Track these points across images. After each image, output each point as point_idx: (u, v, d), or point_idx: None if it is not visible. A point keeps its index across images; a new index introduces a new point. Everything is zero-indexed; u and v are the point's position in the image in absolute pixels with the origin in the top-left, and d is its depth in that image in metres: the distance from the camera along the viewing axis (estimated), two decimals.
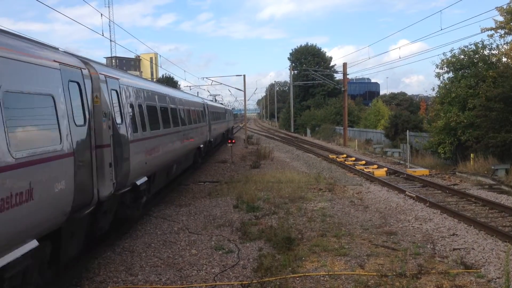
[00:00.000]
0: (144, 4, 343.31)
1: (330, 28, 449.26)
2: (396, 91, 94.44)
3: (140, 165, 10.73)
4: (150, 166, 11.68)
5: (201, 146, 22.69)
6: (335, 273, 8.12)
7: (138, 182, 10.60)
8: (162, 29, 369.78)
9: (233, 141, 28.82)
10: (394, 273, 7.95)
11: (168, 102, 15.47)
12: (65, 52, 7.90)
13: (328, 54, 75.56)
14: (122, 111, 9.79)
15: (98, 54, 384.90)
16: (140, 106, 11.55)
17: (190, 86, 51.56)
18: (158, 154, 12.61)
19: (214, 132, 29.10)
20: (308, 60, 70.67)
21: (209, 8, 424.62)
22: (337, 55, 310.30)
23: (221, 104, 51.73)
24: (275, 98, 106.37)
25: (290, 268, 8.36)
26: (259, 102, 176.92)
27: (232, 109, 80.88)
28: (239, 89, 45.83)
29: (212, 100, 44.37)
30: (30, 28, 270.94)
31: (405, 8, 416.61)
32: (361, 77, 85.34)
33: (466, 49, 24.23)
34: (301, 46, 74.18)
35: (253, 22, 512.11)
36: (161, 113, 13.99)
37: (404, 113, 36.57)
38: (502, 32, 23.74)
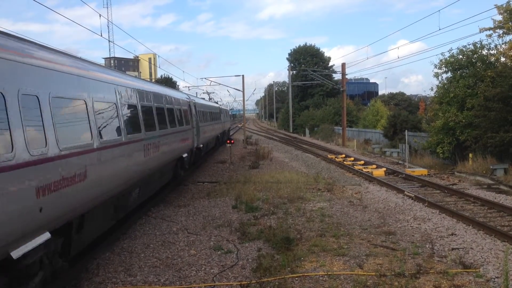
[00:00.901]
0: (143, 4, 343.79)
1: (329, 28, 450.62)
2: (395, 91, 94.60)
3: (19, 217, 5.59)
4: (59, 210, 6.69)
5: (185, 155, 17.94)
6: (334, 273, 8.13)
7: (16, 253, 5.55)
8: (162, 30, 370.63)
9: (232, 141, 28.82)
10: (393, 273, 7.96)
11: (117, 97, 10.06)
12: None
13: (328, 54, 76.43)
14: None
15: (98, 54, 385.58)
16: (31, 99, 6.22)
17: (189, 87, 51.23)
18: (83, 185, 7.47)
19: (204, 136, 24.40)
20: (307, 60, 70.80)
21: (208, 9, 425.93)
22: (337, 55, 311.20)
23: (216, 103, 45.98)
24: (273, 98, 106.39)
25: (289, 268, 8.36)
26: (258, 103, 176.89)
27: (231, 109, 79.78)
28: (238, 90, 45.26)
29: (204, 98, 39.80)
30: (29, 28, 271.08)
31: (404, 8, 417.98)
32: (359, 77, 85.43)
33: (464, 49, 24.28)
34: (299, 46, 74.36)
35: (253, 22, 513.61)
36: (97, 114, 8.62)
37: (403, 113, 36.57)
38: (501, 31, 23.78)
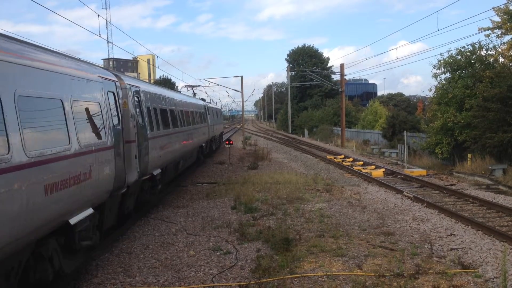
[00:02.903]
0: (143, 5, 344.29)
1: (329, 29, 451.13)
2: (394, 91, 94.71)
3: None
4: None
5: (80, 217, 7.62)
6: (333, 273, 8.13)
7: None
8: (162, 31, 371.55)
9: (231, 142, 28.82)
10: (392, 273, 7.96)
11: None
12: None
13: (328, 55, 76.49)
14: None
15: (97, 56, 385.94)
16: None
17: (187, 88, 50.74)
18: None
19: (163, 153, 14.09)
20: (306, 61, 70.87)
21: (208, 9, 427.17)
22: (337, 56, 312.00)
23: (203, 100, 33.87)
24: (272, 99, 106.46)
25: (288, 269, 8.36)
26: (257, 103, 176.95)
27: (230, 110, 78.74)
28: (237, 90, 45.09)
29: (180, 91, 29.89)
30: (29, 30, 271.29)
31: (404, 9, 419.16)
32: (358, 77, 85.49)
33: (463, 49, 24.31)
34: (298, 47, 74.42)
35: (253, 23, 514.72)
36: None
37: (402, 114, 36.62)
38: (499, 32, 23.79)
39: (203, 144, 25.87)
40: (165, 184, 16.27)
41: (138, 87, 12.37)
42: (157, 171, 13.22)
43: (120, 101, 10.37)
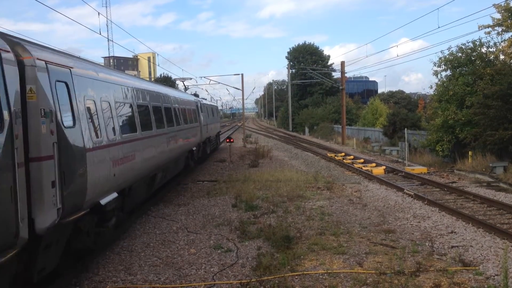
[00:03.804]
0: (144, 3, 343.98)
1: (330, 27, 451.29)
2: (394, 89, 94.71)
3: None
4: None
5: None
6: (334, 271, 8.14)
7: None
8: (164, 29, 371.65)
9: (232, 140, 28.83)
10: (393, 271, 7.97)
11: None
12: None
13: (329, 52, 76.34)
14: None
15: (98, 54, 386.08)
16: None
17: (188, 85, 50.43)
18: None
19: (128, 167, 10.26)
20: (306, 58, 70.77)
21: (209, 7, 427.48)
22: (338, 53, 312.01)
23: (197, 95, 30.18)
24: (273, 97, 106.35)
25: (288, 267, 8.37)
26: (257, 101, 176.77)
27: (230, 108, 78.46)
28: (237, 88, 44.96)
29: (172, 86, 25.52)
30: (30, 28, 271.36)
31: (405, 6, 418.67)
32: (359, 75, 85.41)
33: (463, 47, 24.28)
34: (298, 44, 74.27)
35: (253, 21, 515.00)
36: None
37: (402, 111, 36.56)
38: (500, 29, 23.76)
39: (194, 148, 21.54)
40: (132, 211, 12.22)
41: (69, 68, 7.77)
42: (108, 198, 8.90)
43: (14, 87, 5.89)
